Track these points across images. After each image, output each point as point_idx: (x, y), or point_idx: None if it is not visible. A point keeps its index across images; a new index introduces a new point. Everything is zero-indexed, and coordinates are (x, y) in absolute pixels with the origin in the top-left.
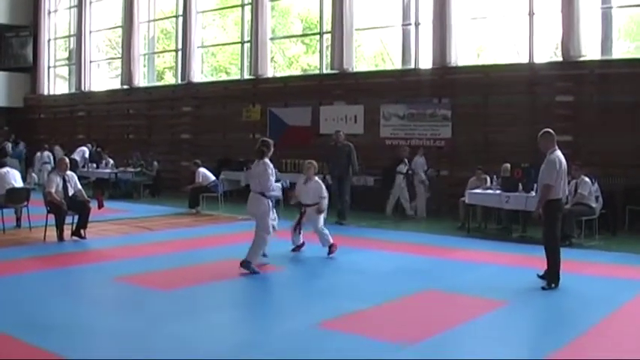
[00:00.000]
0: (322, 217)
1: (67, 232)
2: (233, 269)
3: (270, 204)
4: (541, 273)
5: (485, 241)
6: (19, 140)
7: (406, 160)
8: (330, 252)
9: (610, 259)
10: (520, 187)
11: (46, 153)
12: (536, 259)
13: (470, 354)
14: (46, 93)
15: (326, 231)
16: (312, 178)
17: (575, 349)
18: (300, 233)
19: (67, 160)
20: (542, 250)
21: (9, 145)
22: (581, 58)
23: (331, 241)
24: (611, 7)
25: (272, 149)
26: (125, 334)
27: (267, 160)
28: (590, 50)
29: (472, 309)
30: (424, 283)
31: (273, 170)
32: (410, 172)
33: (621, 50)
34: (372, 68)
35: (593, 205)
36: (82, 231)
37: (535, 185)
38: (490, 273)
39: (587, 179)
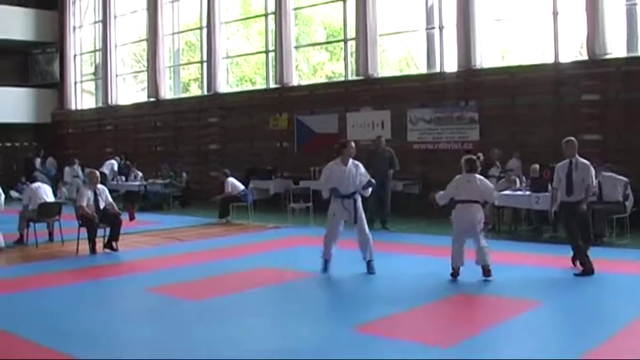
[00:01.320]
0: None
1: (99, 244)
2: (264, 277)
3: (334, 204)
4: (577, 272)
5: (516, 242)
6: (48, 155)
7: (498, 163)
8: (485, 274)
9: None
10: (549, 187)
11: (76, 166)
12: (567, 259)
13: (506, 355)
14: (73, 108)
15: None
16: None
17: (610, 348)
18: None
19: (98, 173)
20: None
21: (38, 161)
22: (607, 56)
23: (488, 261)
24: (635, 4)
25: (344, 150)
26: (157, 344)
27: (334, 161)
28: (615, 48)
29: (506, 310)
30: (458, 286)
31: (331, 171)
32: (502, 175)
33: None
34: (397, 73)
35: (620, 198)
36: (113, 243)
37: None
38: (522, 274)
39: (608, 175)
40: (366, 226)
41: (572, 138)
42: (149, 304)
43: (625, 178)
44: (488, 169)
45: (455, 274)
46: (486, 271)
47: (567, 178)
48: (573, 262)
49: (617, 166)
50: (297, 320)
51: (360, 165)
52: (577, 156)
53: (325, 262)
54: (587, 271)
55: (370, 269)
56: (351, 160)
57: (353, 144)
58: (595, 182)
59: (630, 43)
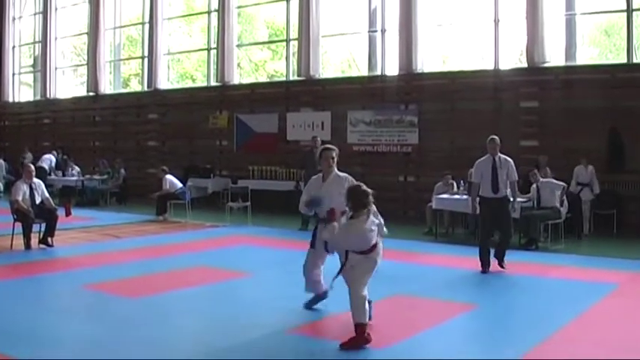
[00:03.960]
0: None
1: (35, 240)
2: (202, 276)
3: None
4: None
5: (453, 245)
6: None
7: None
8: None
9: (576, 263)
10: (468, 185)
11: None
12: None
13: (439, 358)
14: (10, 100)
15: None
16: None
17: (542, 351)
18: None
19: (33, 167)
20: (510, 254)
21: None
22: (546, 64)
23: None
24: (574, 14)
25: (320, 159)
26: (93, 342)
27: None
28: (554, 56)
29: (441, 313)
30: (392, 288)
31: (310, 185)
32: None
33: (585, 56)
34: (339, 75)
35: (557, 204)
36: (49, 239)
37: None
38: (458, 277)
39: (546, 180)
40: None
41: (496, 136)
42: (86, 301)
43: (562, 183)
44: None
45: None
46: None
47: (493, 176)
48: (483, 265)
49: (554, 173)
50: (233, 320)
51: (347, 181)
52: (499, 154)
53: (315, 297)
54: (485, 269)
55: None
56: (335, 174)
57: (333, 152)
58: (516, 178)
59: (568, 53)
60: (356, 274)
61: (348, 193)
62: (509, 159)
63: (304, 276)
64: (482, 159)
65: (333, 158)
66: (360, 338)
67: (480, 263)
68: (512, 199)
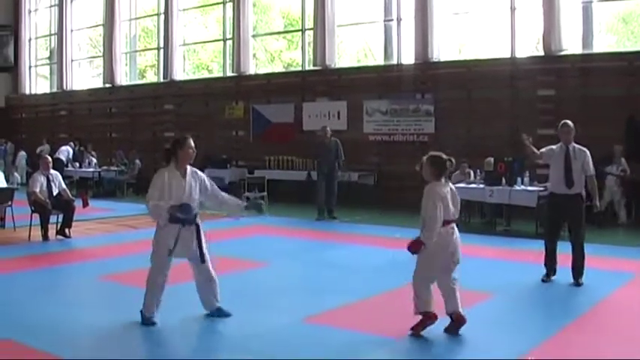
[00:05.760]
0: None
1: (52, 231)
2: (217, 266)
3: (167, 233)
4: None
5: (470, 234)
6: (5, 141)
7: (623, 160)
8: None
9: (592, 252)
10: (503, 180)
11: (22, 153)
12: (520, 252)
13: (456, 346)
14: (27, 92)
15: None
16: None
17: (559, 341)
18: None
19: (50, 159)
20: (527, 243)
21: None
22: (563, 52)
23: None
24: (591, 2)
25: (180, 150)
26: (110, 333)
27: (167, 167)
28: (571, 44)
29: None
30: (407, 276)
31: (168, 183)
32: (622, 173)
33: (602, 44)
34: (355, 64)
35: None
36: (66, 230)
37: (519, 178)
38: (475, 266)
39: None
40: (211, 267)
41: (569, 121)
42: (103, 292)
43: None
44: (606, 165)
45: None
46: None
47: (566, 168)
48: (548, 272)
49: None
50: (250, 310)
51: (200, 173)
52: (573, 142)
53: (147, 317)
54: (548, 277)
55: (223, 313)
56: (189, 168)
57: (192, 141)
58: (593, 172)
59: (585, 40)
60: (421, 257)
61: (433, 161)
62: (584, 149)
63: (148, 293)
64: (552, 146)
65: (193, 149)
66: (424, 321)
67: (544, 269)
68: (592, 198)
